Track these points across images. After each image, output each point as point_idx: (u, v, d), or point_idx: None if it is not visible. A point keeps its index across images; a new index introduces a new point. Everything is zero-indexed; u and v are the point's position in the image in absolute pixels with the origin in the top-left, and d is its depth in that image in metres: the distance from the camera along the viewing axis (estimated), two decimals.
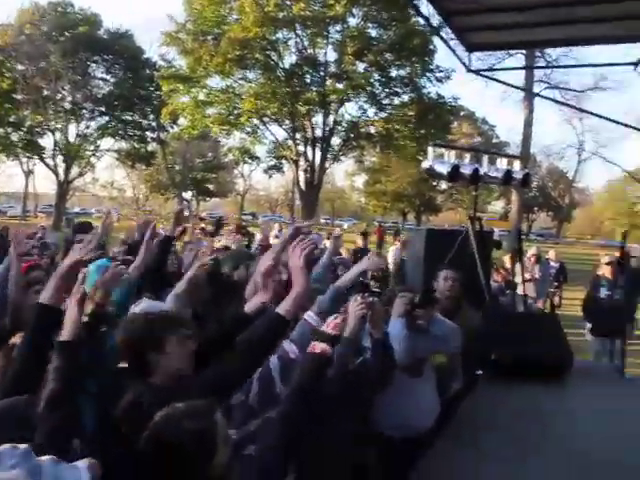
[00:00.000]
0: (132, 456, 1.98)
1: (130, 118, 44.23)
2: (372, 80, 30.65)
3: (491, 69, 11.87)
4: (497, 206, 64.64)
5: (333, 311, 2.83)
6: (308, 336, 2.66)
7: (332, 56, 31.30)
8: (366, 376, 3.36)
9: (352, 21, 30.92)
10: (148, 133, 45.99)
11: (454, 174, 6.76)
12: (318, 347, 2.58)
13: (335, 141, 33.32)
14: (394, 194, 52.65)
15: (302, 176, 32.73)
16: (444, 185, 45.34)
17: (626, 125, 8.38)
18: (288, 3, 28.94)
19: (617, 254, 7.99)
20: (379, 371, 3.42)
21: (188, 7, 30.64)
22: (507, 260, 10.83)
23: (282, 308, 2.62)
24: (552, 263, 15.13)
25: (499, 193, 54.80)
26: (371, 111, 32.36)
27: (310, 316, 2.79)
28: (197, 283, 3.91)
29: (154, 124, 44.10)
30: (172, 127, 41.45)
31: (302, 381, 2.49)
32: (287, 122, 31.97)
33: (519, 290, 8.33)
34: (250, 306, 2.94)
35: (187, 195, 60.98)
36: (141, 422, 2.02)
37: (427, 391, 4.14)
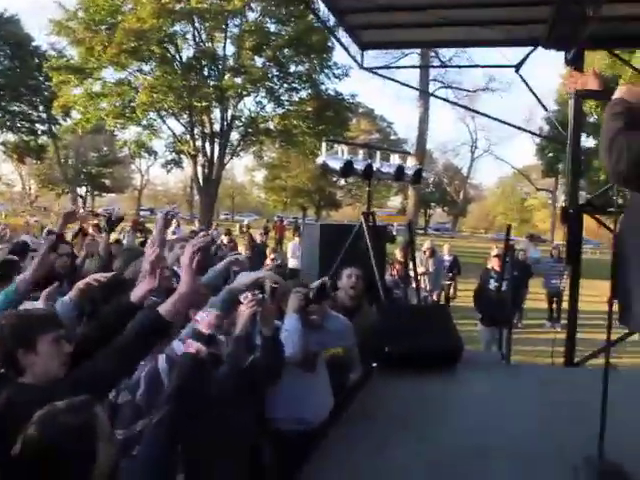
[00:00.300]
0: (8, 460, 1.88)
1: (18, 109, 42.10)
2: (270, 75, 30.56)
3: (384, 67, 12.10)
4: (396, 201, 66.30)
5: (226, 313, 2.79)
6: (195, 332, 2.62)
7: (230, 50, 31.05)
8: (256, 374, 3.35)
9: (251, 15, 30.78)
10: (38, 125, 44.05)
11: (347, 169, 6.86)
12: (192, 346, 2.53)
13: (234, 136, 33.04)
14: (294, 189, 52.89)
15: (200, 171, 32.24)
16: (343, 181, 45.97)
17: (510, 124, 8.77)
18: None
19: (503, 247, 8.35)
20: (268, 369, 3.41)
21: None
22: (399, 254, 11.12)
23: (163, 308, 2.55)
24: (446, 257, 15.67)
25: (397, 189, 56.15)
26: (269, 106, 32.34)
27: (201, 316, 2.74)
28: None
29: (44, 116, 42.28)
30: (65, 120, 39.77)
31: (179, 381, 2.46)
32: (185, 116, 31.40)
33: (413, 283, 8.56)
34: (136, 293, 2.82)
35: (81, 191, 59.00)
36: (15, 423, 1.93)
37: (320, 385, 4.17)
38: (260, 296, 3.28)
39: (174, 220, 22.92)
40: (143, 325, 2.45)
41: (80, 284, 3.49)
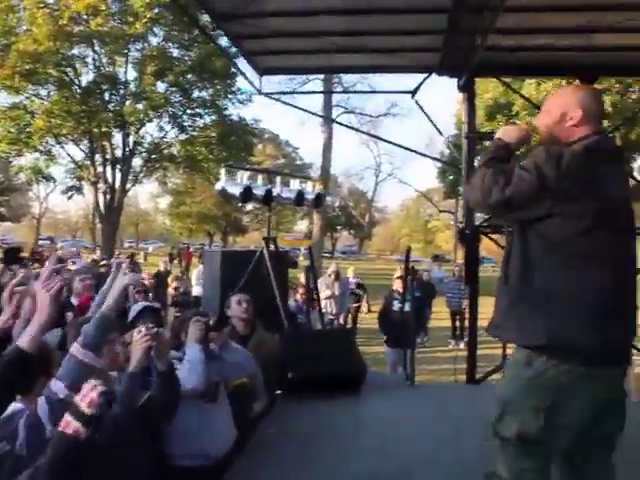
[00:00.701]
0: None
1: None
2: (173, 101, 30.18)
3: (282, 92, 12.17)
4: (302, 225, 66.68)
5: (100, 341, 2.59)
6: (77, 370, 2.44)
7: (132, 75, 30.49)
8: (152, 412, 3.19)
9: (153, 40, 30.36)
10: None
11: (246, 195, 6.83)
12: (70, 426, 2.26)
13: (136, 162, 32.29)
14: (199, 215, 52.32)
15: (102, 198, 31.32)
16: (250, 206, 45.84)
17: (410, 149, 8.99)
18: (85, 17, 27.71)
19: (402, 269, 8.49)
20: (164, 405, 3.26)
21: None
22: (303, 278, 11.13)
23: (21, 340, 2.36)
24: (351, 279, 15.83)
25: (304, 213, 56.56)
26: (173, 132, 31.90)
27: (77, 349, 2.54)
28: None
29: None
30: None
31: (51, 461, 2.24)
32: (85, 142, 30.49)
33: (318, 308, 8.56)
34: (27, 338, 2.57)
35: None
36: None
37: (222, 416, 4.08)
38: (155, 330, 3.14)
39: (74, 249, 22.05)
40: (5, 362, 2.25)
41: None
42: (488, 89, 30.29)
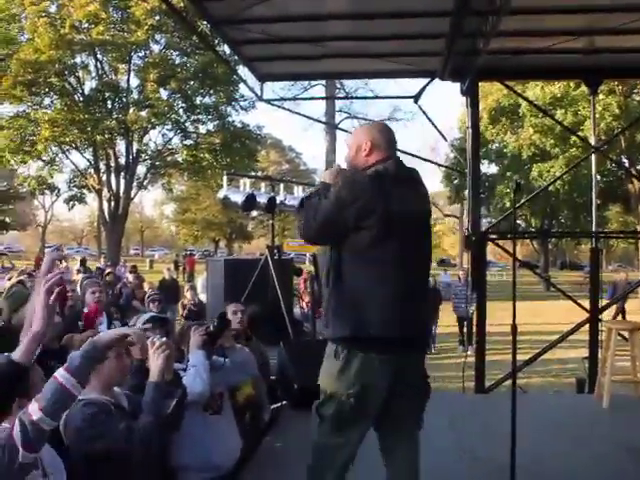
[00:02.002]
0: None
1: None
2: (176, 108, 30.22)
3: (282, 99, 12.11)
4: None
5: (86, 370, 2.47)
6: (56, 395, 2.31)
7: (135, 82, 30.52)
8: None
9: (155, 47, 30.44)
10: None
11: (249, 203, 6.76)
12: None
13: (140, 169, 32.31)
14: (205, 222, 52.32)
15: (106, 206, 31.36)
16: (254, 213, 45.83)
17: (412, 154, 8.93)
18: (86, 26, 27.79)
19: None
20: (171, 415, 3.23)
21: None
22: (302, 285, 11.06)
23: (16, 354, 2.25)
24: None
25: None
26: (176, 139, 31.93)
27: (62, 374, 2.42)
28: None
29: None
30: None
31: None
32: (89, 150, 30.54)
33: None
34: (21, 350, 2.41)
35: None
36: None
37: (227, 427, 4.01)
38: (164, 339, 3.15)
39: (79, 257, 22.00)
40: None
41: None
42: (491, 92, 30.26)
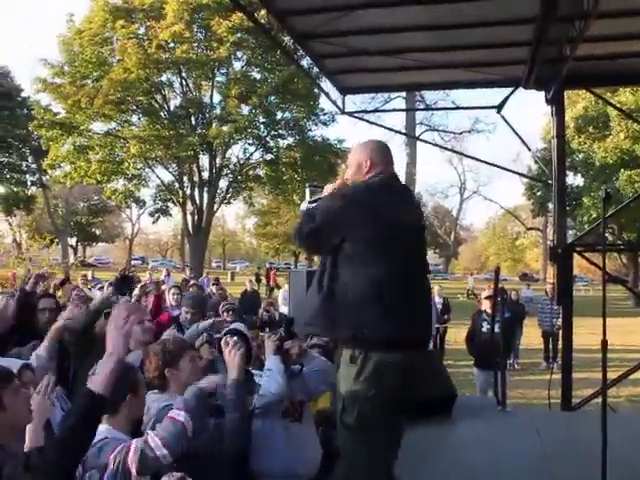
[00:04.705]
0: None
1: (6, 160, 42.19)
2: (257, 123, 30.72)
3: (364, 111, 12.12)
4: None
5: (197, 411, 2.65)
6: (181, 434, 2.41)
7: (217, 98, 31.28)
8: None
9: (237, 64, 31.12)
10: (27, 176, 44.25)
11: None
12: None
13: (223, 184, 33.05)
14: (285, 236, 52.80)
15: (190, 219, 32.19)
16: None
17: (495, 165, 8.76)
18: (172, 45, 28.74)
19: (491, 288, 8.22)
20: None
21: (65, 49, 29.67)
22: None
23: (95, 384, 2.13)
24: (436, 299, 15.47)
25: None
26: (257, 154, 32.46)
27: (183, 415, 2.55)
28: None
29: (34, 166, 42.34)
30: (54, 170, 39.77)
31: None
32: (173, 165, 31.46)
33: None
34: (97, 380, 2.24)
35: (72, 240, 58.77)
36: None
37: (309, 437, 4.02)
38: (234, 338, 3.43)
39: (164, 269, 22.51)
40: (78, 411, 2.15)
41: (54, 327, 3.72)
42: (578, 100, 29.38)
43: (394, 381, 3.01)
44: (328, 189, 3.36)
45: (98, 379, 2.12)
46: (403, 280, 3.08)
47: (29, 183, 45.12)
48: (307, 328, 3.47)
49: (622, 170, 28.26)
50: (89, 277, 16.58)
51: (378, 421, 3.05)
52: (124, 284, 5.47)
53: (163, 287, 13.13)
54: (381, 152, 3.36)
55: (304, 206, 7.09)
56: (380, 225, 3.06)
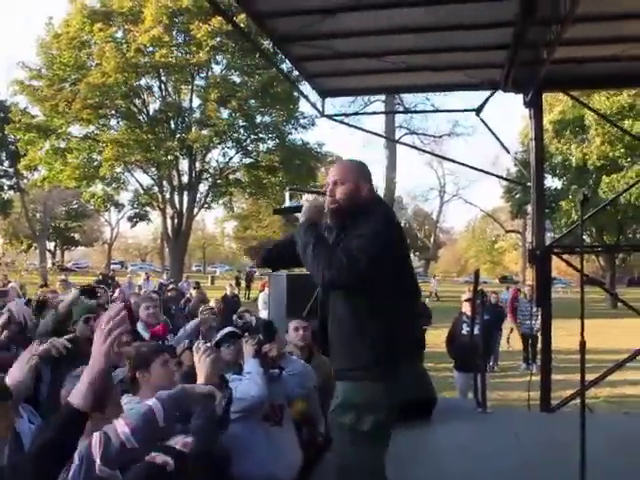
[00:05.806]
0: None
1: None
2: (237, 127, 30.67)
3: (344, 114, 12.14)
4: None
5: (172, 408, 2.56)
6: (149, 421, 2.34)
7: (196, 102, 31.18)
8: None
9: (216, 68, 31.05)
10: (4, 180, 43.79)
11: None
12: (159, 458, 2.26)
13: (202, 188, 32.98)
14: (265, 239, 52.79)
15: (170, 223, 32.02)
16: None
17: (474, 168, 8.82)
18: (150, 49, 28.60)
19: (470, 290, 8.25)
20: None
21: (43, 52, 29.43)
22: None
23: (75, 398, 2.06)
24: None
25: None
26: (237, 157, 32.41)
27: (153, 402, 2.49)
28: None
29: (11, 170, 41.91)
30: (32, 174, 39.35)
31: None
32: (152, 169, 31.28)
33: None
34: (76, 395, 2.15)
35: (50, 245, 58.19)
36: None
37: (289, 440, 4.07)
38: (208, 344, 3.27)
39: (143, 273, 22.35)
40: (60, 426, 2.09)
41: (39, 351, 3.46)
42: (555, 104, 29.66)
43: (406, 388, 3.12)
44: (309, 200, 3.19)
45: (77, 392, 2.06)
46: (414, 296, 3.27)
47: (6, 187, 44.64)
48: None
49: (603, 177, 28.59)
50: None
51: (389, 426, 3.14)
52: (91, 294, 5.53)
53: (141, 291, 13.06)
54: (369, 174, 3.33)
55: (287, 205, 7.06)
56: (403, 254, 3.22)
